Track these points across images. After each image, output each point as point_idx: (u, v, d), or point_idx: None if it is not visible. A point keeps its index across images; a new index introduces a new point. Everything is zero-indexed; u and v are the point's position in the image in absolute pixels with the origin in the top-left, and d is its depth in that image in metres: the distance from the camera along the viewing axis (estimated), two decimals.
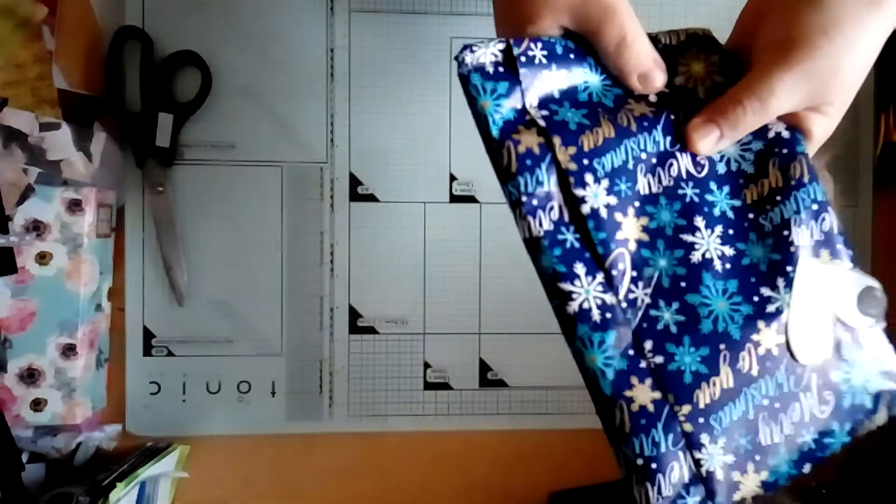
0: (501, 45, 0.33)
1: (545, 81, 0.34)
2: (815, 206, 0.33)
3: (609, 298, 0.31)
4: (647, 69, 0.33)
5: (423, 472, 0.57)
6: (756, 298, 0.32)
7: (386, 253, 0.56)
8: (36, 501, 0.48)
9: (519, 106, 0.33)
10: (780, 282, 0.32)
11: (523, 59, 0.33)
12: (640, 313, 0.31)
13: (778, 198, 0.33)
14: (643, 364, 0.31)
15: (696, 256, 0.32)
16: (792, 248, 0.33)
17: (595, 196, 0.32)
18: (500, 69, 0.33)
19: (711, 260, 0.32)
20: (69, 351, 0.49)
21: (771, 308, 0.32)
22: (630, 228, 0.32)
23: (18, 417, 0.49)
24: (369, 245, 0.56)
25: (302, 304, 0.55)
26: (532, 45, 0.33)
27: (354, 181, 0.56)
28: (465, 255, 0.56)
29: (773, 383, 0.31)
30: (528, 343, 0.56)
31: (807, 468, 0.32)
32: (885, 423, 0.33)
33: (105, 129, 0.52)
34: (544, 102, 0.33)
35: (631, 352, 0.31)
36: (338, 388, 0.56)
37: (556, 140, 0.32)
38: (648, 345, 0.31)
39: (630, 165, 0.33)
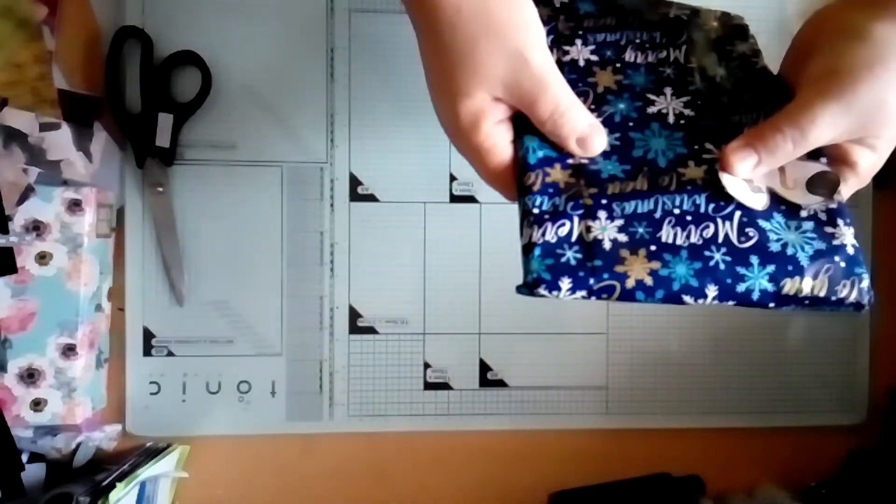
0: None
1: None
2: None
3: None
4: (583, 133, 0.34)
5: (423, 472, 0.57)
6: (696, 147, 0.35)
7: (386, 253, 0.56)
8: (36, 501, 0.48)
9: None
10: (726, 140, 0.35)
11: None
12: None
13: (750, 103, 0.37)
14: (569, 161, 0.34)
15: (652, 109, 0.36)
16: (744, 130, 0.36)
17: (579, 52, 0.38)
18: None
19: (667, 115, 0.36)
20: (69, 351, 0.49)
21: (707, 156, 0.35)
22: (603, 78, 0.38)
23: (18, 417, 0.49)
24: (369, 245, 0.56)
25: (302, 304, 0.55)
26: None
27: (354, 181, 0.56)
28: (465, 255, 0.56)
29: (689, 201, 0.33)
30: (528, 343, 0.56)
31: (711, 290, 0.32)
32: (821, 296, 0.32)
33: (105, 129, 0.52)
34: None
35: (562, 150, 0.35)
36: (338, 388, 0.56)
37: (562, 16, 0.39)
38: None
39: (622, 43, 0.39)
